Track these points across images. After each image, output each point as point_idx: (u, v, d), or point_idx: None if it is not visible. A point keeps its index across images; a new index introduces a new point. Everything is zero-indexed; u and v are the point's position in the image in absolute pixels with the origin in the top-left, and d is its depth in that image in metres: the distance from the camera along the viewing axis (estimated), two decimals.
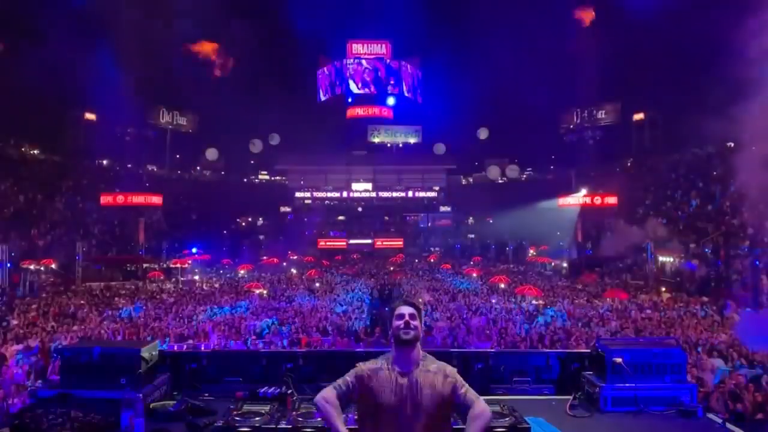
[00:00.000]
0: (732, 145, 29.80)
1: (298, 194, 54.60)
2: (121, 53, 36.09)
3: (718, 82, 22.46)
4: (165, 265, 33.53)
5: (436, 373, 2.78)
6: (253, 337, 12.71)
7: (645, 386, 3.83)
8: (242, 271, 32.17)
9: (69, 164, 41.35)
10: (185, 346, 11.02)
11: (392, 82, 54.01)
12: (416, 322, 2.82)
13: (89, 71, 34.88)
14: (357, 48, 53.73)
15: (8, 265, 24.76)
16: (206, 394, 4.08)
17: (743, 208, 24.37)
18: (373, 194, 55.87)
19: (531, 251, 40.44)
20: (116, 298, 21.26)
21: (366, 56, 54.01)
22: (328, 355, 6.06)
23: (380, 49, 53.92)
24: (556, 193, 37.70)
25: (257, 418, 3.35)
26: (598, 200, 35.45)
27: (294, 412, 3.47)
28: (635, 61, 39.02)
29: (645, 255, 27.22)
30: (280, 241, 43.29)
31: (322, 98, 55.35)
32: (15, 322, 15.12)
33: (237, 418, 3.35)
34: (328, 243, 46.75)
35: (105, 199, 35.65)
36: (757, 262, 19.32)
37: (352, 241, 47.56)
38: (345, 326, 13.98)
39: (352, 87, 53.95)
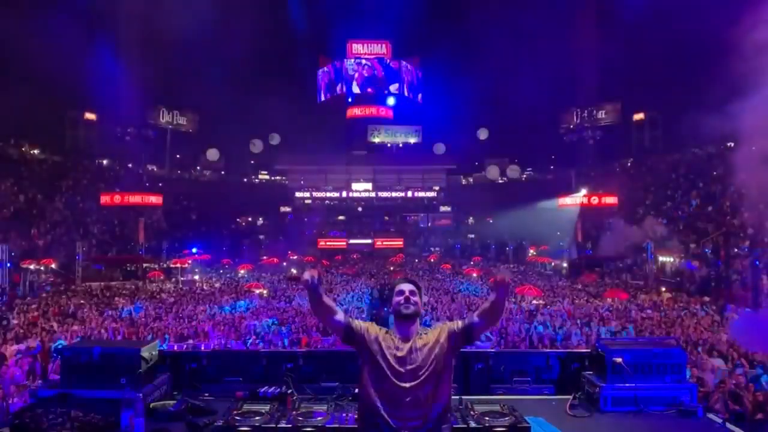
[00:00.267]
0: (732, 145, 29.80)
1: (298, 194, 54.59)
2: (121, 53, 36.12)
3: (719, 82, 22.43)
4: (165, 265, 33.53)
5: (432, 331, 2.93)
6: (253, 337, 12.71)
7: (645, 386, 3.83)
8: (242, 271, 32.19)
9: (69, 164, 41.36)
10: (185, 346, 11.02)
11: (392, 82, 54.03)
12: (416, 298, 2.93)
13: (89, 71, 34.90)
14: (357, 48, 53.75)
15: (8, 264, 24.74)
16: (206, 394, 4.08)
17: (743, 208, 24.39)
18: (373, 194, 55.85)
19: (531, 251, 40.43)
20: (116, 298, 21.27)
21: (366, 56, 54.04)
22: (329, 355, 6.06)
23: (380, 49, 53.94)
24: (556, 193, 37.72)
25: (257, 418, 3.35)
26: (598, 200, 35.47)
27: (294, 412, 3.48)
28: (635, 61, 39.03)
29: (645, 255, 27.23)
30: (280, 241, 43.30)
31: (322, 98, 55.39)
32: (15, 321, 15.13)
33: (237, 418, 3.35)
34: (328, 243, 46.74)
35: (105, 199, 35.67)
36: (757, 262, 19.30)
37: (352, 241, 47.56)
38: None
39: (353, 87, 53.97)
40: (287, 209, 53.07)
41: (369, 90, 54.11)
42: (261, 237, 47.19)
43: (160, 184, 43.78)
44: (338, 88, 54.18)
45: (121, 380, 3.73)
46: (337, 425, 3.29)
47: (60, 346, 7.88)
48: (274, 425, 3.28)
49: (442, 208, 54.20)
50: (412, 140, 58.06)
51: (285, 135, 52.76)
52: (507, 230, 41.23)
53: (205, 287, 26.21)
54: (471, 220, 51.27)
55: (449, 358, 2.87)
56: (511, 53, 40.71)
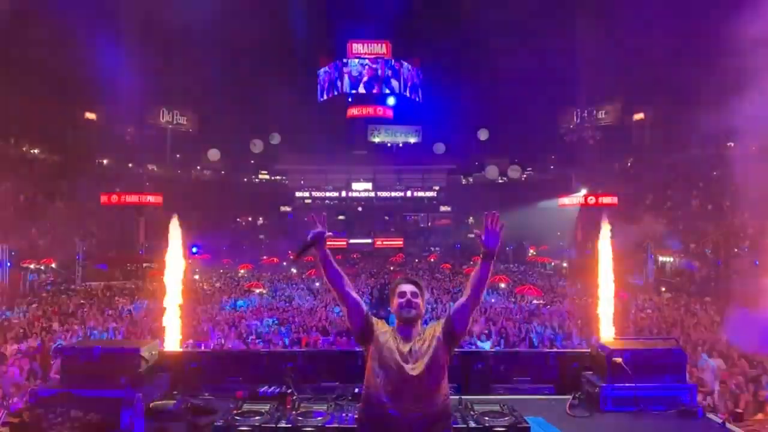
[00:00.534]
0: (732, 144, 29.79)
1: (298, 194, 54.57)
2: (121, 52, 36.08)
3: (719, 82, 22.44)
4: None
5: (428, 329, 2.93)
6: (253, 336, 12.71)
7: (645, 386, 3.83)
8: (242, 271, 32.18)
9: (69, 164, 41.31)
10: (185, 346, 11.01)
11: (392, 81, 53.99)
12: (418, 300, 2.92)
13: (89, 71, 34.85)
14: (357, 48, 53.67)
15: (8, 264, 24.75)
16: (206, 394, 4.08)
17: (743, 208, 24.37)
18: (373, 194, 55.85)
19: (531, 251, 40.43)
20: (116, 298, 21.26)
21: (366, 56, 53.98)
22: (328, 355, 6.06)
23: (380, 48, 53.87)
24: (556, 193, 37.69)
25: (257, 418, 3.36)
26: (596, 200, 35.42)
27: (294, 412, 3.48)
28: (635, 61, 38.98)
29: (645, 255, 27.21)
30: (281, 241, 43.29)
31: (323, 98, 55.35)
32: (15, 321, 15.12)
33: (237, 418, 3.35)
34: (328, 243, 46.62)
35: (104, 199, 35.66)
36: (757, 262, 19.30)
37: (352, 241, 47.51)
38: (345, 326, 13.98)
39: (353, 87, 53.93)
40: (287, 209, 53.08)
41: (369, 90, 54.07)
42: (261, 237, 47.18)
43: (161, 184, 43.72)
44: (339, 87, 54.14)
45: (121, 380, 3.73)
46: (337, 425, 3.29)
47: (60, 346, 7.88)
48: (274, 425, 3.28)
49: (442, 208, 54.19)
50: (412, 140, 58.04)
51: (285, 135, 52.70)
52: (507, 230, 40.95)
53: (205, 287, 26.21)
54: (471, 220, 51.23)
55: (447, 348, 2.89)
56: (511, 53, 40.59)
